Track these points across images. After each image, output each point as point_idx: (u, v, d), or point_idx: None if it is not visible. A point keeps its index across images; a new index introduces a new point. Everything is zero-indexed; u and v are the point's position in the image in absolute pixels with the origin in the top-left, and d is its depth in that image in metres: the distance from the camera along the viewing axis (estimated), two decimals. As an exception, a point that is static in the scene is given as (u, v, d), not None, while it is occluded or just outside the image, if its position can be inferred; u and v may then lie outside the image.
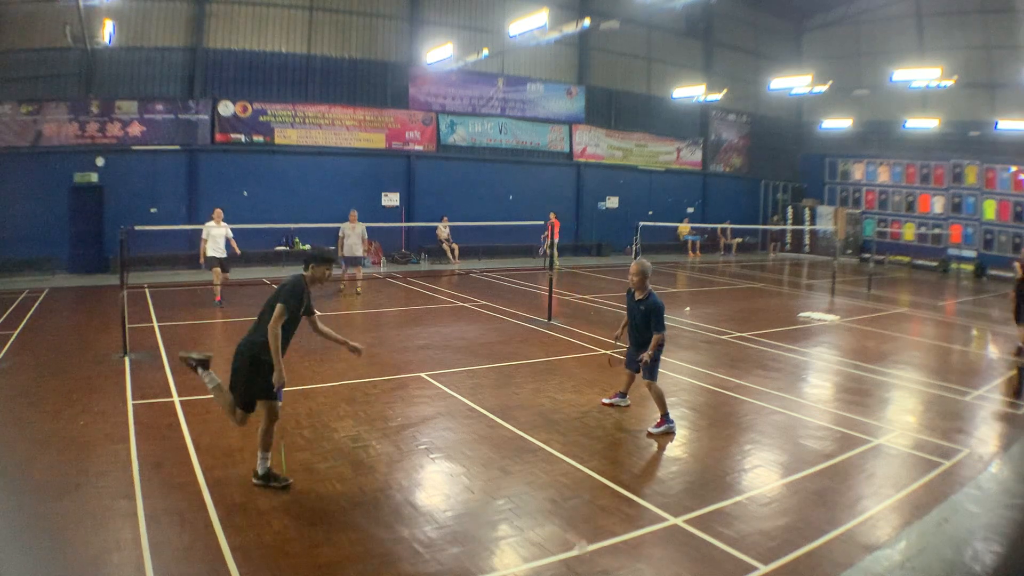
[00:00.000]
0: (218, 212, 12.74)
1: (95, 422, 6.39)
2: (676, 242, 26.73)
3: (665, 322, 6.63)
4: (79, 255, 16.74)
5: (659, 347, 6.58)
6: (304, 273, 5.17)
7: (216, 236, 12.42)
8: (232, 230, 12.74)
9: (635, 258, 14.16)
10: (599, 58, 25.31)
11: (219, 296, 12.68)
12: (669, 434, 6.57)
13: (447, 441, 6.22)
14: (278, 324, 4.91)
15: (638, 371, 6.79)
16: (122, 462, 5.46)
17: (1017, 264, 10.59)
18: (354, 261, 14.49)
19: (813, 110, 30.05)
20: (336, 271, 15.13)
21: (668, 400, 6.79)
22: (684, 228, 26.59)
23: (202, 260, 12.58)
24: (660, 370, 6.78)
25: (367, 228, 14.92)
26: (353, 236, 14.29)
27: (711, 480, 5.58)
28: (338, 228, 14.61)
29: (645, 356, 6.51)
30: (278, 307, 4.93)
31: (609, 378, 8.26)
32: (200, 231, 12.79)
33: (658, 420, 6.68)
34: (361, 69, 20.49)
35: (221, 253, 12.54)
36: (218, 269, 12.58)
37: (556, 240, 19.76)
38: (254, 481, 5.11)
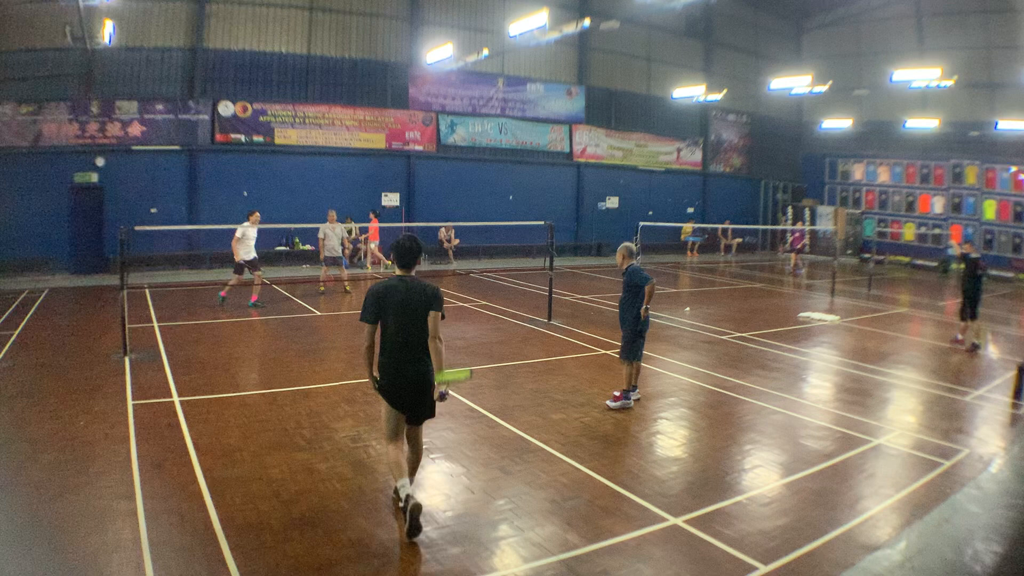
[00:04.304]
0: (256, 216, 12.79)
1: (95, 422, 6.39)
2: (677, 242, 26.71)
3: (646, 277, 7.14)
4: (79, 255, 16.75)
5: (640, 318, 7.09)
6: None
7: (251, 238, 12.59)
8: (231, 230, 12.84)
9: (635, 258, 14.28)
10: (599, 58, 25.32)
11: (224, 292, 12.85)
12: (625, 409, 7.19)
13: (447, 441, 6.21)
14: None
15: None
16: (122, 462, 5.46)
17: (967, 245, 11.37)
18: (334, 261, 14.55)
19: (813, 110, 30.08)
20: (316, 272, 15.40)
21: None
22: (688, 228, 26.57)
23: (238, 258, 12.56)
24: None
25: (360, 228, 14.94)
26: (333, 237, 14.37)
27: (711, 480, 5.57)
28: (339, 228, 14.64)
29: (642, 310, 7.06)
30: None
31: (609, 378, 8.27)
32: (205, 231, 12.71)
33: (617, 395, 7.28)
34: (361, 69, 20.50)
35: (253, 255, 12.70)
36: (259, 272, 12.86)
37: (377, 242, 18.80)
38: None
